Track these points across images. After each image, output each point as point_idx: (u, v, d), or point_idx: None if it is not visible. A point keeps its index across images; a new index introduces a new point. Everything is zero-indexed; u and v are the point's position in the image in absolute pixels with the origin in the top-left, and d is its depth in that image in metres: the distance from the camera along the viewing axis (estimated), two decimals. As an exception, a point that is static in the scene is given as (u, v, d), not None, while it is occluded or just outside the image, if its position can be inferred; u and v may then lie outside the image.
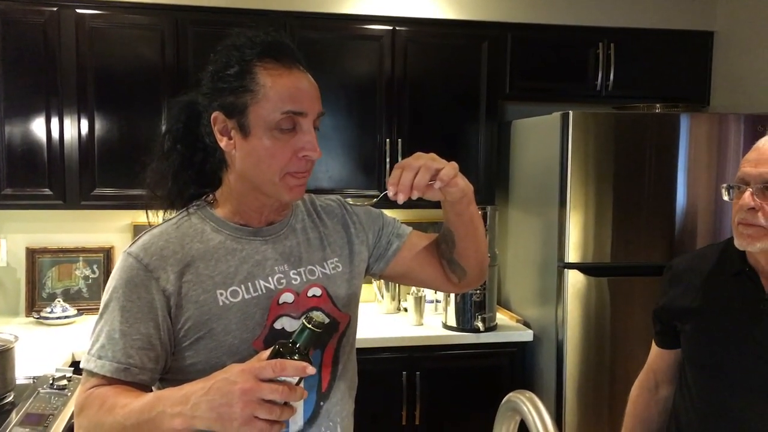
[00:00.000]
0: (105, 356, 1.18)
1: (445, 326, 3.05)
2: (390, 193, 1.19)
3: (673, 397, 1.66)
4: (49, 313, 3.00)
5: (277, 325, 1.26)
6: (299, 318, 1.28)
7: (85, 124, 2.88)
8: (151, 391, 1.23)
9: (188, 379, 1.20)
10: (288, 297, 1.28)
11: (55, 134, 2.85)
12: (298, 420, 1.28)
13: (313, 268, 1.34)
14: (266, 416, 1.00)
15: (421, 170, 1.18)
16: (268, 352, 1.06)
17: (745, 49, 3.27)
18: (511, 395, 0.79)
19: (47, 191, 2.87)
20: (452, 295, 2.99)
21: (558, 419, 2.89)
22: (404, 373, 2.91)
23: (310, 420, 1.30)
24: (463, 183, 1.25)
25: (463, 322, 3.01)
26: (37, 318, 3.02)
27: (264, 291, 1.26)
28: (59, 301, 3.06)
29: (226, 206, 1.30)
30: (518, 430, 0.85)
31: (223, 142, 1.23)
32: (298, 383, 1.03)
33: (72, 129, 2.87)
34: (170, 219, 1.31)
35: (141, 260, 1.21)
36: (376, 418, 2.83)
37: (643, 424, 1.74)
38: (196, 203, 1.31)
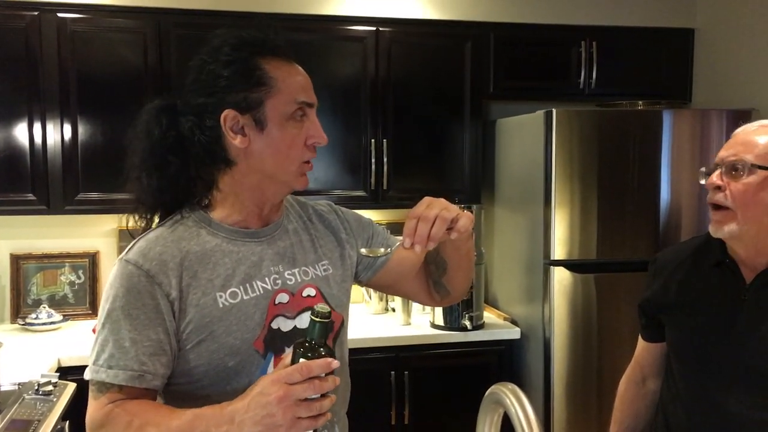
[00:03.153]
0: (116, 365, 1.17)
1: (433, 325, 3.06)
2: (406, 243, 1.20)
3: (660, 390, 1.67)
4: (35, 319, 2.98)
5: (273, 325, 1.27)
6: (294, 318, 1.29)
7: (68, 128, 2.86)
8: (155, 398, 1.23)
9: (192, 381, 1.24)
10: (283, 297, 1.30)
11: (38, 139, 2.83)
12: None
13: (307, 269, 1.35)
14: (307, 414, 1.05)
15: (437, 222, 1.20)
16: (289, 358, 1.09)
17: (726, 46, 3.30)
18: (494, 388, 0.79)
19: (31, 196, 2.85)
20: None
21: (546, 416, 2.91)
22: (393, 372, 2.91)
23: None
24: (470, 226, 1.26)
25: (451, 321, 3.01)
26: (23, 324, 2.99)
27: (262, 291, 1.27)
28: (44, 307, 3.03)
29: (221, 208, 1.30)
30: (502, 421, 0.86)
31: (236, 140, 1.23)
32: (328, 374, 1.07)
33: (55, 134, 2.85)
34: (164, 223, 1.30)
35: (141, 267, 1.21)
36: (365, 418, 2.81)
37: (631, 418, 1.75)
38: (190, 206, 1.30)
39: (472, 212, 2.95)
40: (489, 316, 3.25)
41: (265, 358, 1.26)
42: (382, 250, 1.37)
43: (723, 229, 1.44)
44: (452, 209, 1.22)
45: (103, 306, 1.22)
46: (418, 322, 3.12)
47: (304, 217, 1.42)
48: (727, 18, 3.30)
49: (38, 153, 2.84)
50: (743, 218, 1.42)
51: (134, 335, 1.18)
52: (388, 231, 1.56)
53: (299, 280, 1.33)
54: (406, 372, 2.92)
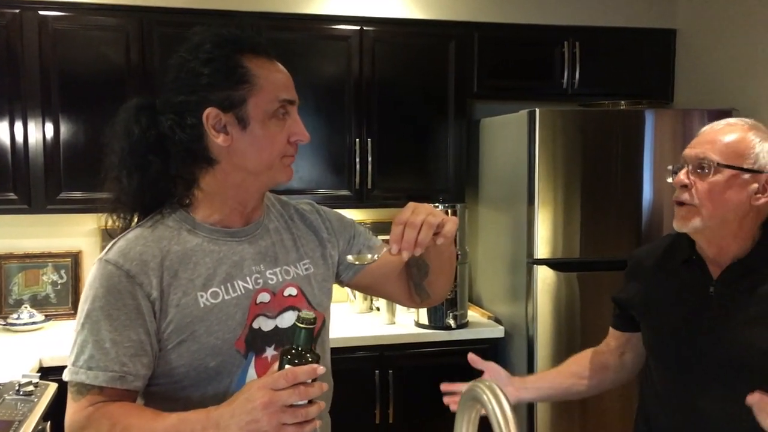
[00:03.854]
0: (96, 366, 1.16)
1: (417, 324, 3.07)
2: (393, 250, 1.20)
3: (640, 392, 1.69)
4: (16, 319, 2.95)
5: (255, 325, 1.27)
6: (275, 317, 1.29)
7: (49, 127, 2.84)
8: (135, 399, 1.22)
9: (173, 382, 1.23)
10: (264, 297, 1.29)
11: (19, 138, 2.81)
12: None
13: (288, 268, 1.35)
14: (293, 420, 1.06)
15: (424, 227, 1.20)
16: (276, 364, 1.09)
17: (707, 46, 3.33)
18: (472, 384, 0.80)
19: (12, 195, 2.82)
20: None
21: (530, 414, 2.92)
22: (377, 371, 2.91)
23: None
24: (455, 231, 1.27)
25: (435, 320, 3.02)
26: (4, 324, 2.97)
27: (243, 291, 1.27)
28: (26, 307, 3.01)
29: (202, 207, 1.29)
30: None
31: (219, 139, 1.22)
32: (314, 380, 1.08)
33: (36, 132, 2.82)
34: (144, 223, 1.28)
35: (121, 267, 1.20)
36: (350, 418, 2.82)
37: (570, 367, 1.75)
38: (170, 206, 1.29)
39: (456, 211, 2.99)
40: (473, 314, 3.26)
41: (246, 358, 1.26)
42: (369, 256, 1.37)
43: (688, 225, 1.45)
44: (437, 214, 1.22)
45: (82, 306, 1.21)
46: (403, 321, 3.12)
47: (285, 216, 1.42)
48: (708, 19, 3.33)
49: (20, 152, 2.81)
50: (707, 215, 1.43)
51: (114, 336, 1.17)
52: (371, 231, 1.57)
53: (280, 280, 1.32)
54: (390, 371, 2.93)
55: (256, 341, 1.27)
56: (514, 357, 3.06)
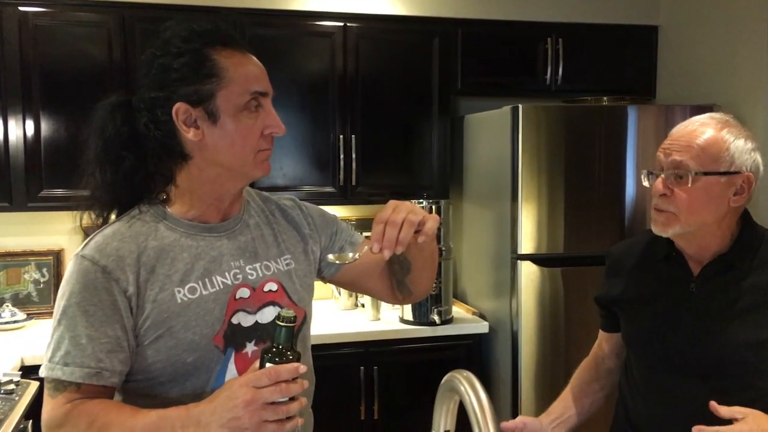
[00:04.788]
0: (72, 362, 1.16)
1: (402, 320, 3.07)
2: (375, 249, 1.20)
3: (619, 383, 1.70)
4: (-3, 318, 2.93)
5: (234, 320, 1.27)
6: (255, 313, 1.29)
7: (30, 124, 2.81)
8: (113, 396, 1.22)
9: (150, 378, 1.22)
10: (244, 292, 1.29)
11: (-1, 135, 2.79)
12: None
13: (269, 263, 1.34)
14: (274, 417, 1.06)
15: (405, 225, 1.19)
16: (258, 362, 1.10)
17: (688, 43, 3.35)
18: (449, 375, 0.80)
19: (-8, 193, 2.80)
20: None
21: (514, 408, 2.93)
22: (362, 367, 2.91)
23: None
24: (435, 228, 1.26)
25: (420, 316, 3.02)
26: (-15, 323, 2.94)
27: (221, 286, 1.26)
28: (8, 306, 2.99)
29: (180, 203, 1.28)
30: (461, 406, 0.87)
31: (190, 134, 1.21)
32: (295, 378, 1.08)
33: (17, 129, 2.80)
34: (121, 219, 1.28)
35: (98, 262, 1.19)
36: (335, 414, 2.83)
37: (582, 386, 1.74)
38: (147, 201, 1.29)
39: (440, 208, 2.99)
40: (458, 310, 3.27)
41: (225, 353, 1.25)
42: (350, 255, 1.36)
43: (667, 230, 1.45)
44: (418, 212, 1.22)
45: (59, 303, 1.20)
46: (388, 318, 3.12)
47: (266, 212, 1.41)
48: (689, 16, 3.36)
49: (0, 149, 2.79)
50: (686, 221, 1.43)
51: (91, 332, 1.17)
52: (353, 228, 1.56)
53: (261, 275, 1.32)
54: (375, 367, 2.93)
55: (235, 336, 1.26)
56: (498, 352, 3.07)
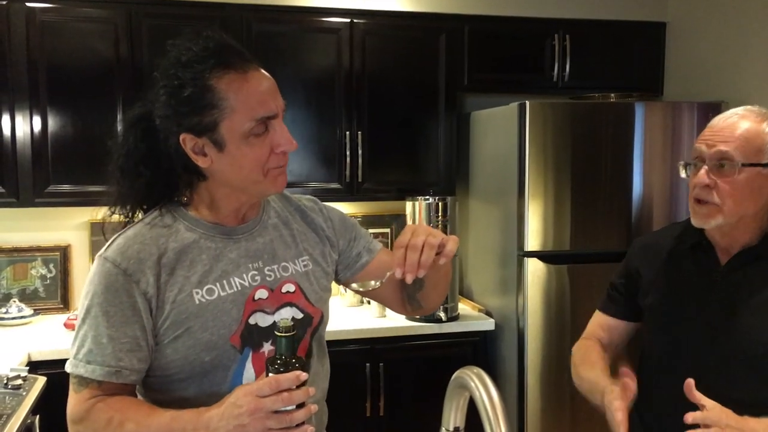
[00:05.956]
0: (94, 360, 1.21)
1: (408, 317, 3.06)
2: (398, 274, 1.21)
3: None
4: (5, 313, 2.93)
5: (251, 321, 1.29)
6: (273, 314, 1.31)
7: (37, 120, 2.81)
8: (133, 392, 1.27)
9: (169, 375, 1.27)
10: (263, 293, 1.31)
11: (7, 131, 2.78)
12: None
13: (287, 264, 1.37)
14: (278, 426, 1.09)
15: (426, 249, 1.20)
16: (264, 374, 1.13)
17: (696, 39, 3.34)
18: (459, 372, 0.80)
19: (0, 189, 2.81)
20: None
21: (520, 405, 2.93)
22: (368, 364, 2.91)
23: None
24: (455, 250, 1.27)
25: (426, 313, 3.02)
26: (-8, 319, 2.95)
27: (239, 288, 1.29)
28: (15, 301, 2.99)
29: (199, 207, 1.32)
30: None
31: (199, 161, 1.23)
32: (300, 385, 1.10)
33: (24, 125, 2.80)
34: (142, 219, 1.31)
35: (119, 265, 1.23)
36: (341, 411, 2.80)
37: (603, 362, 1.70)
38: (168, 203, 1.32)
39: (446, 204, 2.99)
40: (463, 307, 3.27)
41: (242, 353, 1.28)
42: (373, 282, 1.36)
43: (709, 222, 1.46)
44: (437, 234, 1.23)
45: (83, 301, 1.25)
46: (393, 315, 3.12)
47: (285, 212, 1.43)
48: (697, 12, 3.34)
49: (7, 145, 2.79)
50: (729, 213, 1.44)
51: (111, 332, 1.21)
52: (371, 234, 1.58)
53: (278, 276, 1.34)
54: (381, 364, 2.93)
55: (252, 336, 1.29)
56: (504, 349, 3.07)
